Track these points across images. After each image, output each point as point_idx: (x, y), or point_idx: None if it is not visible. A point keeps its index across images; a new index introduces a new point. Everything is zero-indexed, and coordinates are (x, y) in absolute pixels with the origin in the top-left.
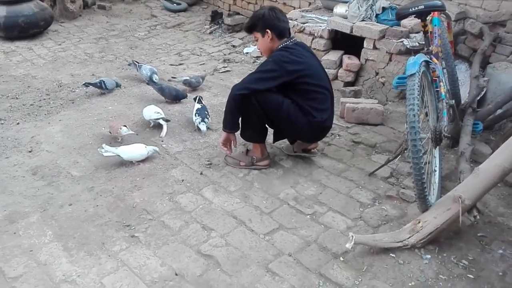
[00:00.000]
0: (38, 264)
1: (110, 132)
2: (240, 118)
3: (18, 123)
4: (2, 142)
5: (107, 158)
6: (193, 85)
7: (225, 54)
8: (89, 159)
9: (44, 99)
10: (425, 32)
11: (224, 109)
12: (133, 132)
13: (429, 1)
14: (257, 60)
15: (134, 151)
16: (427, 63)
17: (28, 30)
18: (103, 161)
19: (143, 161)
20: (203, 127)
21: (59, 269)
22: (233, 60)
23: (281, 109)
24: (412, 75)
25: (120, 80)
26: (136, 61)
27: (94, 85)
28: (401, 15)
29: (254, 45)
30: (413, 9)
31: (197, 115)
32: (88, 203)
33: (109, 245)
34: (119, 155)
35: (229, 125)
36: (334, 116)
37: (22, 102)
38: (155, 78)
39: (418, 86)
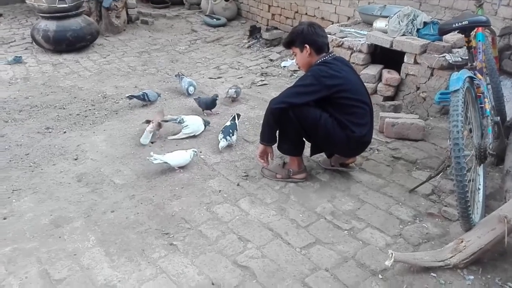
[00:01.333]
0: (81, 268)
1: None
2: (277, 131)
3: (65, 132)
4: (49, 150)
5: (148, 167)
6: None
7: (262, 68)
8: (131, 168)
9: (90, 109)
10: (469, 48)
11: (261, 122)
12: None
13: (474, 16)
14: (294, 74)
15: (180, 157)
16: (471, 79)
17: (75, 43)
18: (144, 170)
19: (183, 168)
20: (222, 143)
21: (101, 274)
22: (271, 74)
23: (319, 123)
24: (456, 91)
25: (162, 92)
26: (182, 74)
27: (138, 97)
28: (444, 31)
29: (292, 59)
30: (457, 25)
31: (221, 132)
32: (129, 211)
33: (148, 252)
34: (166, 162)
35: (267, 138)
36: (373, 131)
37: (69, 112)
38: (191, 90)
39: (462, 102)
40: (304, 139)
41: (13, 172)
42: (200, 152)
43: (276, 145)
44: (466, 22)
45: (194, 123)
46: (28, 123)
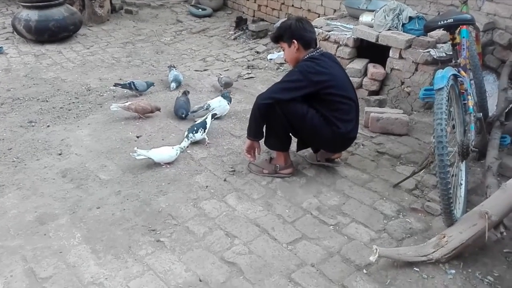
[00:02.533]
0: (67, 266)
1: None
2: (264, 126)
3: (48, 126)
4: (33, 144)
5: (134, 162)
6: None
7: (249, 60)
8: (117, 163)
9: (73, 102)
10: (454, 45)
11: (247, 116)
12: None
13: (459, 14)
14: (280, 67)
15: (164, 153)
16: (455, 76)
17: (58, 34)
18: (130, 165)
19: (170, 163)
20: (184, 143)
21: (87, 271)
22: (257, 67)
23: (306, 119)
24: (440, 89)
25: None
26: (174, 66)
27: (124, 86)
28: (429, 28)
29: (278, 52)
30: (442, 22)
31: (187, 129)
32: (115, 207)
33: (135, 249)
34: (150, 158)
35: (253, 133)
36: (358, 126)
37: (52, 105)
38: (172, 86)
39: (446, 101)
40: (290, 134)
41: None
42: (187, 147)
43: (263, 140)
44: (451, 20)
45: (219, 105)
46: (10, 117)
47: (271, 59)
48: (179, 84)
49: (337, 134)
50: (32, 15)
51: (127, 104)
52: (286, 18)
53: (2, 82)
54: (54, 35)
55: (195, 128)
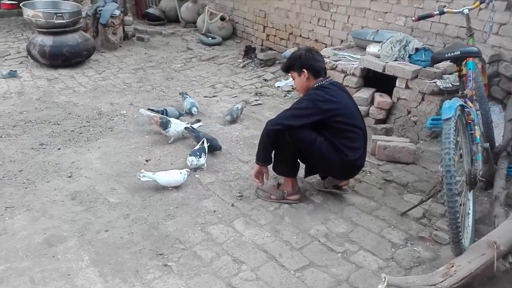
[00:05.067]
0: None
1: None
2: (273, 152)
3: (59, 149)
4: (43, 167)
5: (143, 185)
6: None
7: (256, 88)
8: (126, 186)
9: (84, 126)
10: (460, 76)
11: (255, 142)
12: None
13: (465, 47)
14: (288, 94)
15: (170, 177)
16: (462, 107)
17: (71, 59)
18: (138, 188)
19: (177, 187)
20: (194, 161)
21: None
22: (265, 94)
23: (314, 146)
24: (448, 119)
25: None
26: (186, 93)
27: (157, 111)
28: (436, 60)
29: (286, 79)
30: (449, 55)
31: (190, 154)
32: (123, 230)
33: (143, 273)
34: (155, 180)
35: (262, 158)
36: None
37: (63, 128)
38: (194, 111)
39: (454, 131)
40: (299, 160)
41: (6, 188)
42: (195, 171)
43: (271, 165)
44: (458, 53)
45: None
46: (22, 139)
47: (278, 86)
48: (196, 111)
49: (345, 162)
50: (47, 40)
51: (152, 114)
52: (294, 48)
53: (15, 105)
54: (68, 60)
55: (198, 153)
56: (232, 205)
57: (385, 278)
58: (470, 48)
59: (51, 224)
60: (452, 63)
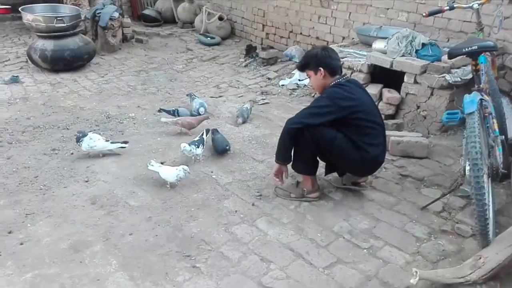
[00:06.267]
0: None
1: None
2: (292, 151)
3: (72, 153)
4: (59, 172)
5: (161, 188)
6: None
7: (261, 87)
8: (145, 189)
9: (94, 130)
10: (476, 70)
11: (267, 141)
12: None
13: (482, 41)
14: (293, 92)
15: (168, 172)
16: (480, 100)
17: (73, 63)
18: (158, 191)
19: (173, 185)
20: (188, 148)
21: None
22: (270, 92)
23: (334, 144)
24: (471, 113)
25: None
26: (194, 94)
27: (168, 112)
28: (453, 55)
29: (289, 78)
30: (467, 49)
31: (188, 143)
32: (147, 233)
33: (172, 275)
34: (158, 173)
35: (282, 157)
36: None
37: (73, 132)
38: (201, 111)
39: (478, 124)
40: (318, 158)
41: (24, 195)
42: (211, 172)
43: (290, 164)
44: (476, 47)
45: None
46: (33, 145)
47: (283, 85)
48: (204, 110)
49: (366, 159)
50: (48, 45)
51: (175, 119)
52: (295, 46)
53: (21, 111)
54: (69, 64)
55: (196, 143)
56: (253, 204)
57: (416, 272)
58: (487, 43)
59: (74, 230)
60: (467, 58)
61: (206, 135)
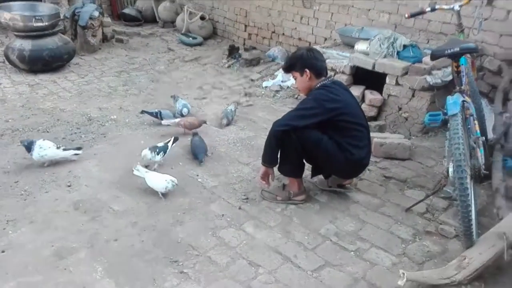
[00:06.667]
0: None
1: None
2: (278, 153)
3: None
4: (40, 176)
5: (146, 192)
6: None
7: (245, 88)
8: (129, 194)
9: (75, 133)
10: (458, 72)
11: (252, 143)
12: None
13: (463, 43)
14: (277, 94)
15: (156, 181)
16: (462, 102)
17: (52, 63)
18: (142, 195)
19: (164, 195)
20: (153, 158)
21: None
22: (254, 94)
23: (320, 146)
24: (454, 114)
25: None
26: (177, 96)
27: (151, 114)
28: (436, 56)
29: (273, 79)
30: (449, 51)
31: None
32: (133, 238)
33: (160, 281)
34: (144, 179)
35: (269, 160)
36: None
37: (53, 135)
38: (184, 112)
39: (462, 126)
40: (304, 161)
41: (4, 201)
42: (197, 175)
43: (277, 167)
44: (458, 49)
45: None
46: (12, 148)
47: (266, 86)
48: (187, 111)
49: (351, 161)
50: (26, 44)
51: (177, 120)
52: (278, 47)
53: None
54: (48, 64)
55: (157, 150)
56: (239, 208)
57: (403, 274)
58: (469, 45)
59: (57, 236)
60: (448, 59)
61: (173, 144)
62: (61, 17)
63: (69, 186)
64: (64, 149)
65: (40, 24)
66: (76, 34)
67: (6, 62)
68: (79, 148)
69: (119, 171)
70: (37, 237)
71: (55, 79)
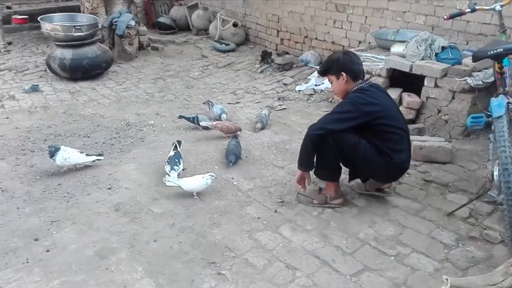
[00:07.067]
0: None
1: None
2: (315, 157)
3: (94, 161)
4: (82, 179)
5: (184, 195)
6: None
7: (278, 92)
8: (167, 196)
9: (115, 137)
10: (501, 73)
11: (286, 147)
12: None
13: (507, 44)
14: (310, 98)
15: (194, 182)
16: (507, 104)
17: (91, 71)
18: (180, 198)
19: (199, 194)
20: (172, 175)
21: None
22: (287, 98)
23: (358, 149)
24: (499, 117)
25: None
26: (211, 101)
27: (188, 119)
28: (478, 58)
29: (306, 83)
30: (492, 52)
31: (167, 163)
32: (171, 240)
33: (198, 282)
34: (180, 186)
35: (305, 164)
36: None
37: (94, 140)
38: (223, 117)
39: (508, 128)
40: (341, 164)
41: (49, 202)
42: (232, 178)
43: (313, 170)
44: (501, 50)
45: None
46: None
47: (299, 90)
48: (226, 116)
49: (390, 164)
50: (67, 53)
51: (214, 123)
52: (311, 51)
53: (42, 119)
54: (88, 72)
55: (176, 160)
56: (275, 211)
57: (447, 279)
58: None
59: (99, 237)
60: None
61: (180, 147)
62: (99, 27)
63: (109, 188)
64: (87, 155)
65: (79, 34)
66: (114, 43)
67: (48, 71)
68: (100, 154)
69: (157, 174)
70: (79, 237)
71: (94, 86)
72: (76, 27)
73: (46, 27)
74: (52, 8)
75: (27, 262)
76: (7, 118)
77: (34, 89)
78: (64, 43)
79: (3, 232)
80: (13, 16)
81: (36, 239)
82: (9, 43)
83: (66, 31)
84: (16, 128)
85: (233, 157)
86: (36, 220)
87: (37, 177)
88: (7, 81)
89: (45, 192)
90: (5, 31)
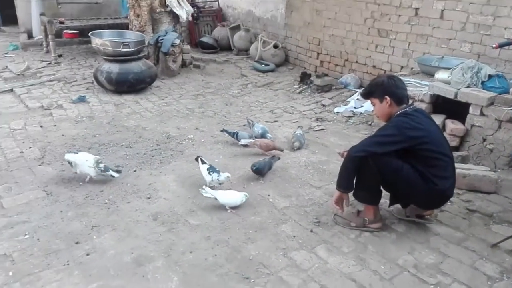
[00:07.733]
0: None
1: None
2: (355, 178)
3: (135, 171)
4: (123, 188)
5: (220, 209)
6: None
7: (316, 113)
8: (203, 209)
9: (156, 149)
10: None
11: (324, 167)
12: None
13: None
14: (349, 120)
15: (230, 197)
16: None
17: (136, 85)
18: (216, 211)
19: (234, 208)
20: (222, 177)
21: None
22: (325, 119)
23: (401, 174)
24: None
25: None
26: (251, 120)
27: (229, 133)
28: None
29: (345, 105)
30: None
31: (211, 172)
32: (207, 252)
33: None
34: (216, 198)
35: (344, 185)
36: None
37: (135, 151)
38: (269, 136)
39: None
40: (382, 188)
41: (90, 208)
42: (268, 195)
43: (352, 192)
44: None
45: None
46: None
47: (338, 112)
48: (270, 136)
49: (434, 191)
50: (114, 68)
51: (253, 140)
52: (351, 74)
53: (88, 128)
54: (132, 86)
55: (217, 169)
56: (311, 231)
57: None
58: None
59: (137, 244)
60: None
61: (203, 163)
62: (146, 44)
63: (148, 198)
64: (103, 170)
65: (127, 49)
66: (158, 60)
67: (95, 83)
68: (118, 171)
69: (195, 187)
70: (118, 243)
71: (138, 100)
72: (124, 43)
73: (96, 42)
74: (101, 25)
75: (68, 264)
76: (55, 125)
77: (81, 99)
78: (112, 58)
79: (47, 233)
80: (65, 31)
81: (77, 243)
82: (60, 56)
83: (114, 46)
84: (62, 135)
85: (259, 167)
86: (77, 224)
87: (80, 183)
88: (56, 91)
89: (88, 198)
90: (57, 44)
